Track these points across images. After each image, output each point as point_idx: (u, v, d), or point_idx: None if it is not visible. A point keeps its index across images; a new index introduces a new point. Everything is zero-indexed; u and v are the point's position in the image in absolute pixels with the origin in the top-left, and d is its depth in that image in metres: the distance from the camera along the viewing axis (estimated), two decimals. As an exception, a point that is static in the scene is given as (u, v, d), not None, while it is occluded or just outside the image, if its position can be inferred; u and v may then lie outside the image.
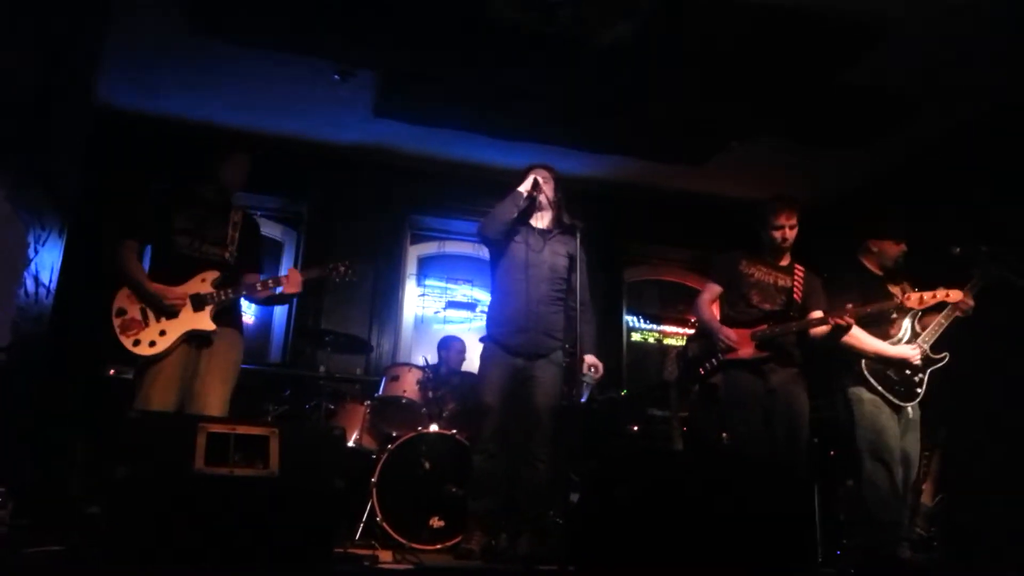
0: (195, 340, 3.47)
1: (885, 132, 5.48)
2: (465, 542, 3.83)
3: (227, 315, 3.59)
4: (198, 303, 3.47)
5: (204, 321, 3.47)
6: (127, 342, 3.34)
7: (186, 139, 5.94)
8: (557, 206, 4.08)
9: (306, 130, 5.98)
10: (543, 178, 4.04)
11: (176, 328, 3.41)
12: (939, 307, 3.92)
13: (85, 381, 4.58)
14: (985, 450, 4.67)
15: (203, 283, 3.52)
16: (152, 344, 3.36)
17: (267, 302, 4.04)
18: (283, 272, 3.77)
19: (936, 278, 3.92)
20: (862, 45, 4.50)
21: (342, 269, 3.93)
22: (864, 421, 3.89)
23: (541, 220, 4.07)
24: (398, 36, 4.64)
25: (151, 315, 3.41)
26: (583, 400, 3.88)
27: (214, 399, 3.43)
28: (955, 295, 3.83)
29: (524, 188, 3.97)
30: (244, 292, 3.61)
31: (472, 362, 5.85)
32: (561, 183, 4.15)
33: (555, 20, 4.22)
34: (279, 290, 3.64)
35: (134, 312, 3.39)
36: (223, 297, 3.52)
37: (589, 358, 3.89)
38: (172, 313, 3.42)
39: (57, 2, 3.45)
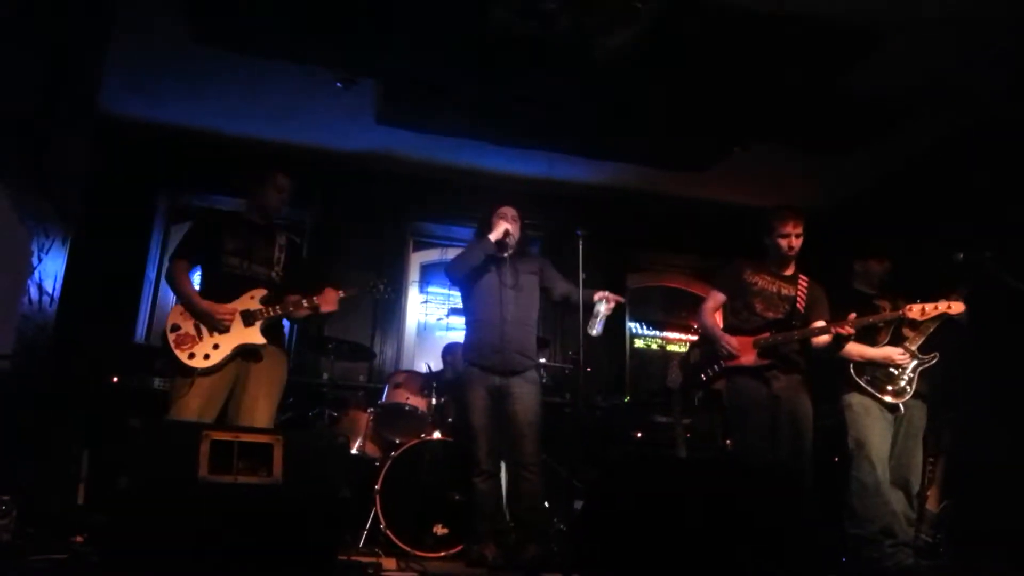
0: (245, 355, 3.63)
1: (884, 138, 5.48)
2: (478, 547, 3.87)
3: (273, 332, 3.74)
4: (248, 319, 3.63)
5: (255, 336, 3.63)
6: (182, 355, 3.49)
7: (190, 147, 5.98)
8: (522, 243, 4.28)
9: (309, 138, 5.99)
10: (512, 219, 4.19)
11: (229, 342, 3.58)
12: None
13: (89, 389, 4.59)
14: (990, 455, 4.66)
15: (252, 300, 3.68)
16: (207, 357, 3.52)
17: (306, 321, 4.23)
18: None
19: (930, 285, 3.96)
20: (860, 52, 4.51)
21: (381, 288, 4.21)
22: (852, 423, 4.04)
23: (506, 253, 4.19)
24: (400, 44, 4.65)
25: (204, 330, 3.57)
26: (598, 331, 3.92)
27: (260, 414, 3.58)
28: (956, 307, 3.86)
29: (494, 237, 4.09)
30: (288, 310, 3.74)
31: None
32: (525, 226, 4.35)
33: (555, 28, 4.23)
34: (314, 309, 3.76)
35: (188, 327, 3.56)
36: (271, 313, 3.67)
37: (600, 293, 3.96)
38: (224, 328, 3.57)
39: (61, 11, 3.46)
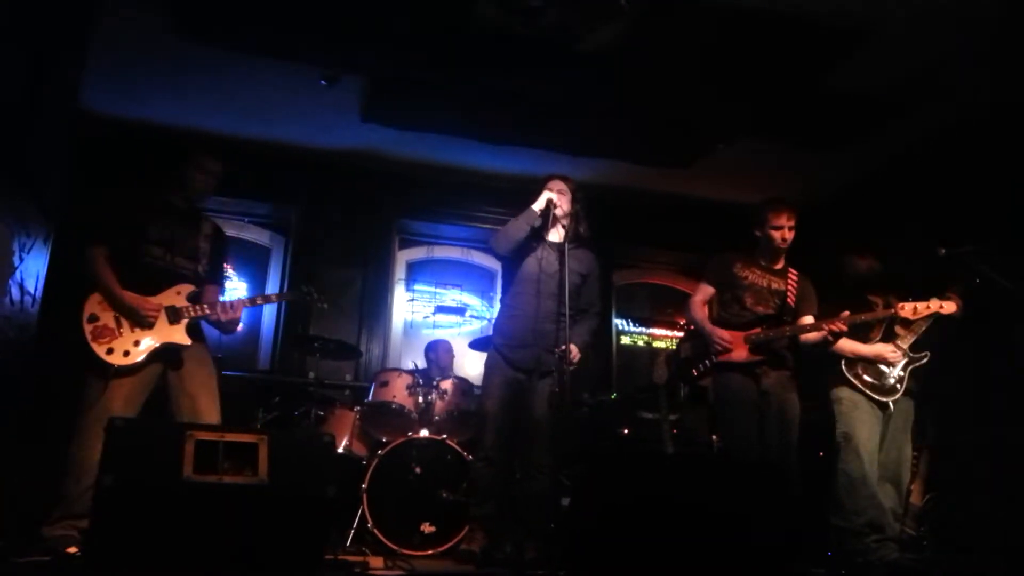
0: (167, 355, 3.43)
1: (870, 134, 5.51)
2: (467, 543, 3.86)
3: (195, 329, 3.56)
4: (174, 316, 3.44)
5: (180, 335, 3.44)
6: (100, 350, 3.29)
7: (172, 145, 5.92)
8: (575, 218, 4.04)
9: (293, 135, 5.95)
10: (559, 191, 4.01)
11: (152, 340, 3.38)
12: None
13: (72, 390, 4.54)
14: (973, 449, 4.70)
15: (178, 296, 3.49)
16: (126, 354, 3.32)
17: (214, 324, 3.84)
18: (270, 283, 3.76)
19: (917, 281, 4.00)
20: (845, 48, 4.52)
21: (314, 294, 3.97)
22: (841, 417, 4.05)
23: (557, 233, 4.04)
24: (384, 41, 4.63)
25: (125, 323, 3.35)
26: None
27: (209, 413, 3.43)
28: (949, 307, 3.89)
29: (537, 207, 3.94)
30: (216, 311, 3.55)
31: (462, 364, 5.88)
32: (580, 192, 4.13)
33: (539, 24, 4.22)
34: (223, 317, 3.58)
35: (107, 319, 3.34)
36: (197, 312, 3.49)
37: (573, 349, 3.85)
38: (147, 324, 3.37)
39: (40, 7, 3.42)
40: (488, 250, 4.15)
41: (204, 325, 3.68)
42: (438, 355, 5.45)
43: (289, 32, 4.61)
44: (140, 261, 3.48)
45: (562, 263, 3.85)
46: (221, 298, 3.75)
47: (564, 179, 4.12)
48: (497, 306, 4.17)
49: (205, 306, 3.52)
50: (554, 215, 3.96)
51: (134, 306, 3.36)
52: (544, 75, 4.89)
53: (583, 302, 4.05)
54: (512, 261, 4.07)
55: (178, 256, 3.58)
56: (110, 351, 3.30)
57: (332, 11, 4.35)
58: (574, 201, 4.06)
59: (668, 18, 4.26)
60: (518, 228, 3.95)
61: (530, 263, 3.98)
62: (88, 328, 3.30)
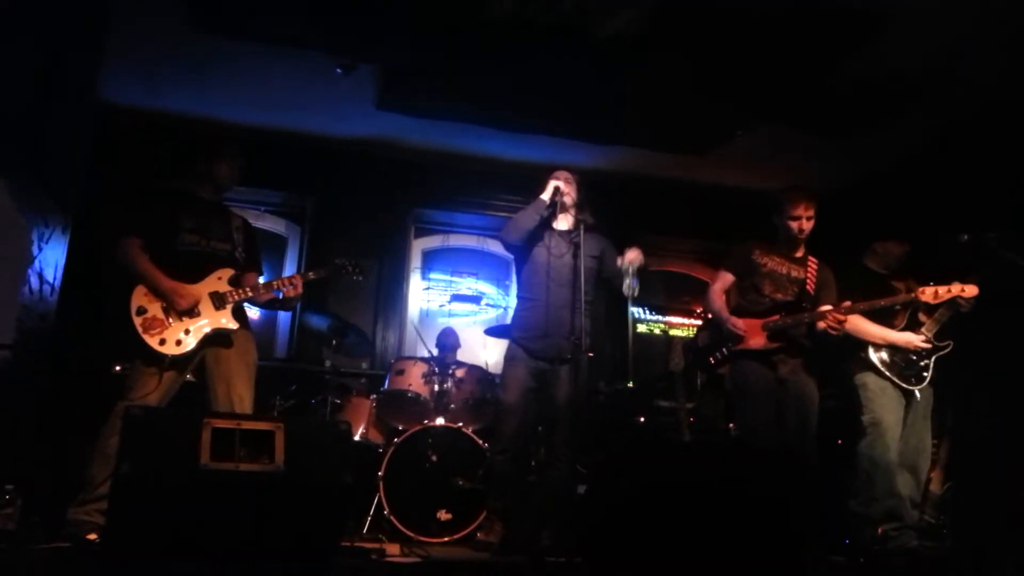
0: (213, 341, 3.44)
1: (889, 122, 5.44)
2: (484, 534, 3.87)
3: (240, 313, 3.57)
4: (218, 301, 3.46)
5: (227, 318, 3.46)
6: (152, 341, 3.29)
7: (189, 135, 5.95)
8: (579, 207, 4.10)
9: (309, 124, 5.96)
10: (565, 180, 4.08)
11: (201, 327, 3.39)
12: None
13: (91, 378, 4.59)
14: (993, 436, 4.65)
15: (219, 281, 3.50)
16: (178, 343, 3.33)
17: (268, 306, 3.99)
18: (287, 272, 3.78)
19: (938, 268, 3.95)
20: (865, 33, 4.46)
21: (349, 267, 3.94)
22: (868, 403, 4.03)
23: (564, 222, 4.10)
24: (399, 29, 4.61)
25: (173, 313, 3.36)
26: (635, 290, 3.92)
27: (245, 403, 3.44)
28: (970, 290, 3.85)
29: (546, 196, 4.01)
30: (259, 292, 3.58)
31: (478, 352, 5.89)
32: (584, 183, 4.18)
33: (555, 10, 4.19)
34: (279, 294, 3.62)
35: (155, 310, 3.35)
36: (241, 295, 3.50)
37: (621, 257, 3.93)
38: (193, 312, 3.39)
39: (57, 1, 3.44)
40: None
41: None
42: (448, 341, 5.47)
43: (304, 21, 4.60)
44: (177, 249, 3.49)
45: (576, 253, 3.90)
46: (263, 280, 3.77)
47: (569, 171, 4.20)
48: (513, 300, 4.20)
49: (248, 289, 3.53)
50: (562, 203, 4.03)
51: (176, 292, 3.36)
52: (560, 62, 4.85)
53: (609, 271, 4.05)
54: (521, 252, 4.10)
55: (214, 240, 3.59)
56: (162, 342, 3.31)
57: (345, 0, 4.34)
58: (579, 191, 4.13)
59: (685, 3, 4.21)
60: (529, 217, 3.99)
61: (539, 252, 4.02)
62: (138, 321, 3.31)
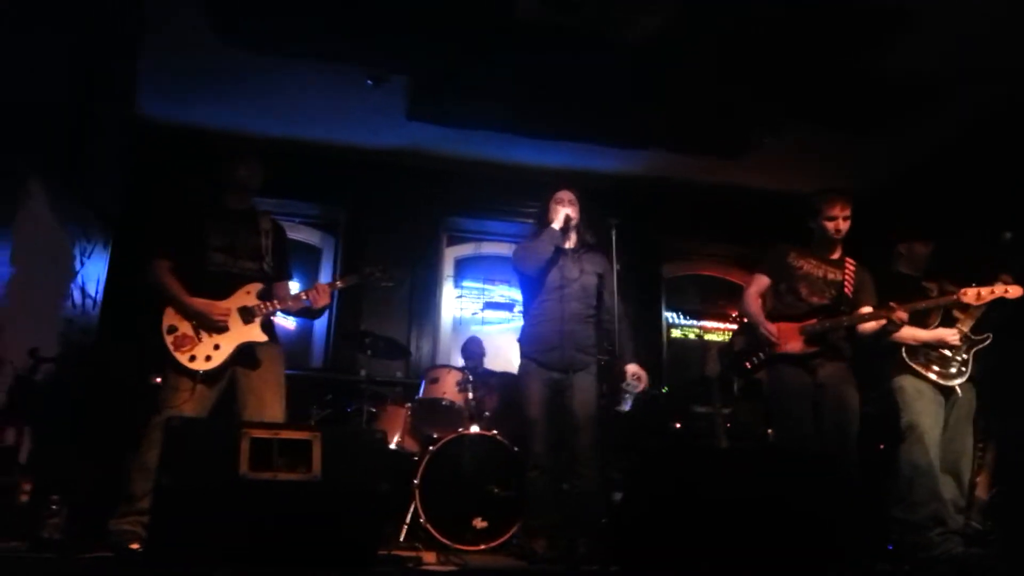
0: (243, 355, 3.50)
1: (921, 119, 5.35)
2: (528, 543, 3.87)
3: (267, 326, 3.62)
4: (247, 316, 3.50)
5: (256, 333, 3.51)
6: (183, 358, 3.36)
7: (225, 149, 6.05)
8: (579, 227, 4.16)
9: (341, 136, 6.03)
10: (570, 201, 4.12)
11: (229, 342, 3.45)
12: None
13: (133, 390, 4.67)
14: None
15: (248, 295, 3.55)
16: (208, 359, 3.39)
17: (300, 314, 4.03)
18: (322, 279, 3.80)
19: (973, 266, 3.87)
20: (895, 30, 4.40)
21: (377, 274, 3.93)
22: (906, 406, 3.93)
23: (569, 240, 4.15)
24: (428, 39, 4.65)
25: (203, 331, 3.43)
26: (627, 409, 3.93)
27: (277, 412, 3.48)
28: (1015, 291, 3.76)
29: (558, 225, 4.05)
30: (287, 304, 3.63)
31: (508, 360, 5.88)
32: (583, 198, 4.20)
33: (580, 16, 4.19)
34: (308, 303, 3.64)
35: (185, 328, 3.42)
36: (269, 309, 3.55)
37: (632, 368, 3.95)
38: (222, 328, 3.45)
39: (93, 20, 3.52)
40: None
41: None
42: (474, 349, 5.47)
43: (334, 35, 4.66)
44: (206, 270, 3.54)
45: (583, 269, 4.02)
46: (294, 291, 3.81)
47: (568, 188, 4.20)
48: (520, 319, 4.25)
49: (276, 302, 3.58)
50: (571, 226, 4.10)
51: (205, 312, 3.42)
52: (588, 68, 4.85)
53: (607, 311, 4.00)
54: (532, 275, 4.14)
55: (241, 259, 3.63)
56: (192, 358, 3.37)
57: (375, 12, 4.38)
58: (580, 209, 4.16)
59: (712, 5, 4.19)
60: (544, 249, 4.03)
61: (552, 273, 4.06)
62: (169, 340, 3.39)
